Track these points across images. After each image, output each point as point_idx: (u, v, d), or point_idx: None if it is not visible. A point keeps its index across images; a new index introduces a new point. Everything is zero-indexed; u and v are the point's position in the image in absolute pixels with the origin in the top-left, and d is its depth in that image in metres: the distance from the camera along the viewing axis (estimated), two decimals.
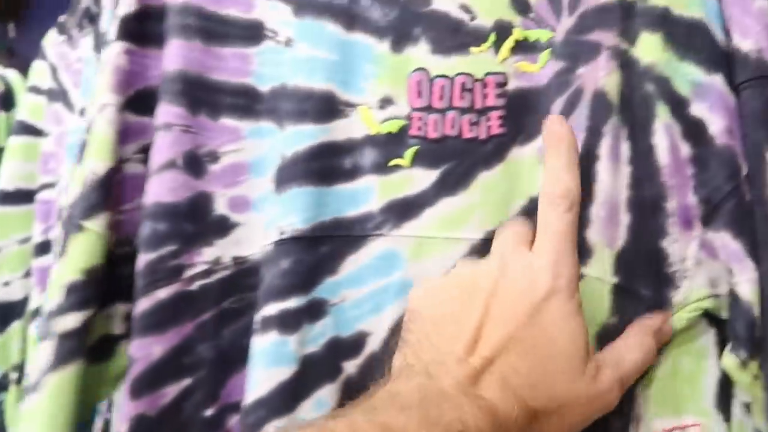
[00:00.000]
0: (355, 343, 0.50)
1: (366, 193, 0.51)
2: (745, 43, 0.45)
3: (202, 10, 0.54)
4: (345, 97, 0.51)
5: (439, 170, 0.50)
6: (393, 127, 0.51)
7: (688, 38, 0.46)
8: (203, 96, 0.53)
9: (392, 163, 0.50)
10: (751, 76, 0.45)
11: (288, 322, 0.49)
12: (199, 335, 0.52)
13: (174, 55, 0.53)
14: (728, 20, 0.46)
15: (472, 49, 0.51)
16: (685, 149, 0.46)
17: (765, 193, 0.43)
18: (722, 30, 0.46)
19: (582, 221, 0.45)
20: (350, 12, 0.52)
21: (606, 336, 0.45)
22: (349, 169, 0.51)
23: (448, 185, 0.50)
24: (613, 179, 0.46)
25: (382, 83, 0.51)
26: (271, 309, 0.49)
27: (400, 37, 0.52)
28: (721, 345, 0.45)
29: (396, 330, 0.49)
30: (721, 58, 0.46)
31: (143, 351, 0.51)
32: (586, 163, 0.46)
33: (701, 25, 0.46)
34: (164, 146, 0.53)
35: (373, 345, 0.49)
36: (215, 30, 0.54)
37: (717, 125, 0.45)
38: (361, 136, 0.51)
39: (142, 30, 0.55)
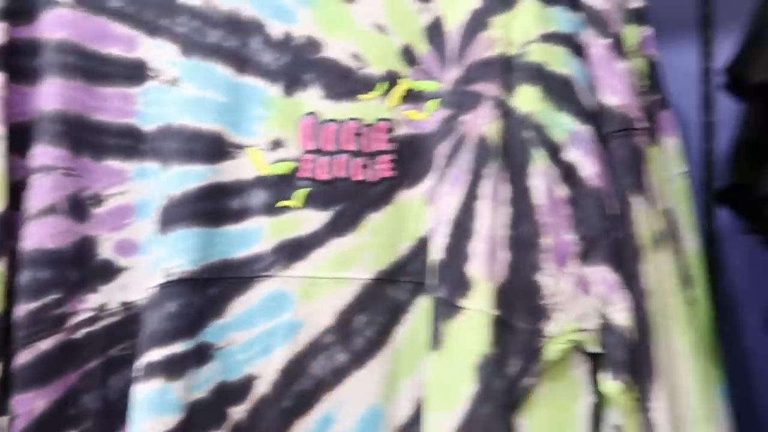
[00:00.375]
0: (243, 387, 0.48)
1: (255, 234, 0.50)
2: (612, 99, 0.49)
3: (82, 49, 0.52)
4: (234, 139, 0.51)
5: (330, 211, 0.51)
6: (283, 168, 0.51)
7: (563, 92, 0.50)
8: (86, 137, 0.52)
9: (280, 204, 0.51)
10: (618, 128, 0.49)
11: (173, 368, 0.47)
12: (84, 385, 0.49)
13: (53, 95, 0.51)
14: (596, 80, 0.50)
15: (362, 96, 0.52)
16: (562, 191, 0.49)
17: (631, 231, 0.47)
18: (587, 88, 0.50)
19: (464, 257, 0.47)
20: (241, 55, 0.52)
21: (486, 366, 0.46)
22: (237, 210, 0.50)
23: (339, 226, 0.50)
24: (493, 218, 0.48)
25: (272, 126, 0.52)
26: (156, 354, 0.47)
27: (291, 81, 0.52)
28: (593, 374, 0.48)
29: (286, 371, 0.48)
30: (589, 112, 0.50)
31: (26, 407, 0.47)
32: (470, 203, 0.48)
33: (572, 81, 0.50)
34: (44, 190, 0.50)
35: (261, 388, 0.48)
36: (97, 69, 0.53)
37: (591, 169, 0.48)
38: (250, 178, 0.51)
39: (13, 64, 0.52)
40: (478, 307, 0.47)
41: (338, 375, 0.49)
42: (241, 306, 0.49)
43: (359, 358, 0.49)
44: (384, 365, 0.50)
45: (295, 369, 0.49)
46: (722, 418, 0.49)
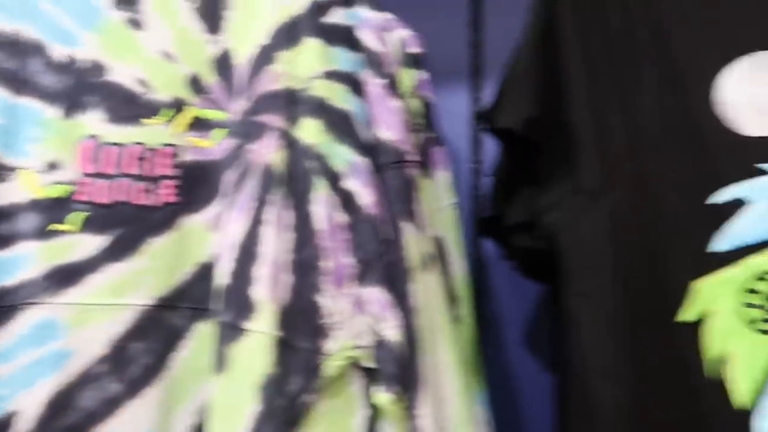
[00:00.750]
0: (1, 426, 0.45)
1: (24, 260, 0.48)
2: (387, 134, 0.54)
3: None
4: (5, 161, 0.49)
5: (108, 236, 0.49)
6: (58, 191, 0.50)
7: (343, 125, 0.53)
8: None
9: (53, 228, 0.49)
10: (392, 160, 0.53)
11: None
12: None
13: None
14: (373, 116, 0.54)
15: (146, 120, 0.52)
16: (341, 217, 0.52)
17: (401, 255, 0.51)
18: (365, 123, 0.54)
19: (248, 280, 0.49)
20: (19, 77, 0.51)
21: (268, 386, 0.47)
22: (5, 236, 0.48)
23: (117, 251, 0.49)
24: (277, 243, 0.50)
25: (48, 148, 0.50)
26: None
27: (72, 104, 0.51)
28: (368, 388, 0.50)
29: (53, 405, 0.46)
30: (366, 145, 0.53)
31: None
32: (255, 228, 0.50)
33: (351, 116, 0.54)
34: None
35: (24, 425, 0.45)
36: None
37: (368, 198, 0.52)
38: (21, 201, 0.49)
39: None
40: (262, 329, 0.48)
41: (110, 406, 0.47)
42: (3, 337, 0.46)
43: (134, 388, 0.48)
44: (160, 393, 0.49)
45: (62, 402, 0.46)
46: (482, 423, 0.55)
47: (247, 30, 0.55)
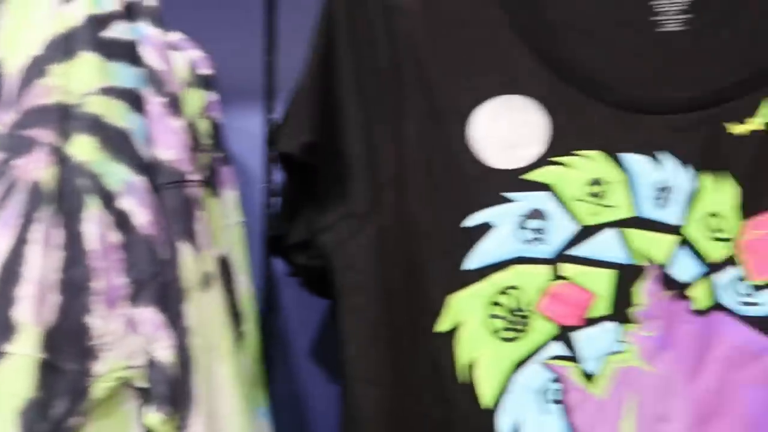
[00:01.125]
0: None
1: None
2: (166, 153, 0.54)
3: None
4: None
5: None
6: None
7: (120, 144, 0.52)
8: None
9: None
10: (171, 180, 0.54)
11: None
12: None
13: None
14: (152, 135, 0.54)
15: None
16: (115, 237, 0.51)
17: (177, 275, 0.51)
18: (145, 141, 0.54)
19: (10, 301, 0.47)
20: None
21: (29, 410, 0.46)
22: None
23: None
24: (44, 262, 0.48)
25: None
26: None
27: None
28: (141, 408, 0.50)
29: None
30: (145, 164, 0.53)
31: None
32: (19, 247, 0.48)
33: (129, 134, 0.53)
34: None
35: None
36: None
37: (144, 218, 0.52)
38: None
39: None
40: (24, 352, 0.47)
41: None
42: None
43: None
44: None
45: None
46: None
47: (19, 39, 0.53)
